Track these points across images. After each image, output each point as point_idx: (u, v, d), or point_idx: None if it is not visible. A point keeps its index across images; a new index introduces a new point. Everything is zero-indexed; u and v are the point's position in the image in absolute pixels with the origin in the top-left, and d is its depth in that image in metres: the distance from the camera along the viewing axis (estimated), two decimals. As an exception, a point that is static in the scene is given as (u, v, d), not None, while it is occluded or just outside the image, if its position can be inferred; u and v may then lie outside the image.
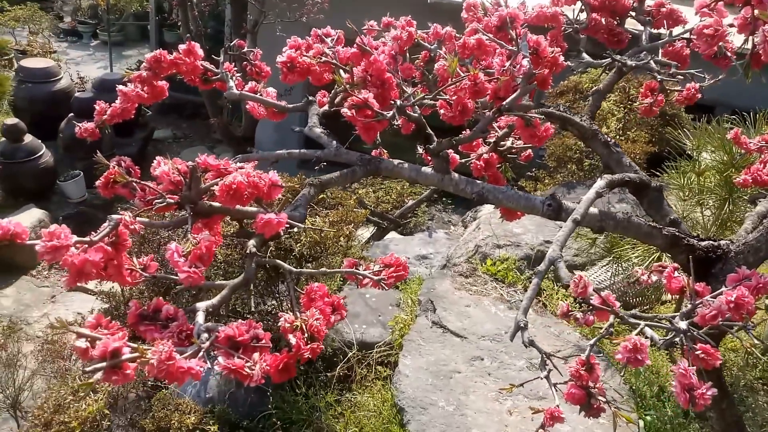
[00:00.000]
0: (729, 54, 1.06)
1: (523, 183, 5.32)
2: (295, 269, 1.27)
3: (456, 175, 1.55)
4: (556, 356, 1.19)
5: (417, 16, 1.89)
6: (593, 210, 1.49)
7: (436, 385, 2.81)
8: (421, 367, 2.93)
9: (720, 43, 1.02)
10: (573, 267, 3.80)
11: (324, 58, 1.55)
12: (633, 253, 3.00)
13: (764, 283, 1.13)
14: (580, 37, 1.98)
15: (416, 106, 1.54)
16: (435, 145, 1.50)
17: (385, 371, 3.16)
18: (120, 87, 1.61)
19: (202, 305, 1.16)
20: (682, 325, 1.04)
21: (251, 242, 1.25)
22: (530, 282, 3.66)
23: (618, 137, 4.58)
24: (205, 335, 1.07)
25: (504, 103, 1.48)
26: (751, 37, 1.05)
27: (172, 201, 1.20)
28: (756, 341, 1.03)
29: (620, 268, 3.20)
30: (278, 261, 1.29)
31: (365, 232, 5.03)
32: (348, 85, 1.53)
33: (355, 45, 1.56)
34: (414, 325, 3.25)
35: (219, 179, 1.22)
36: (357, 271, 1.26)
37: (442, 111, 1.45)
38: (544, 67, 1.66)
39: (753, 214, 1.56)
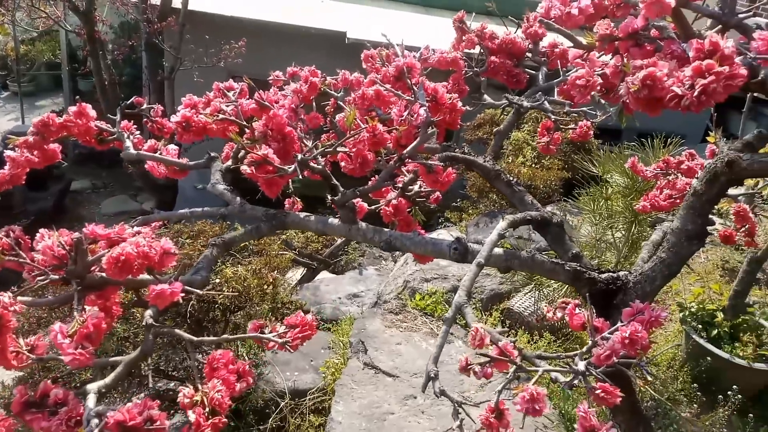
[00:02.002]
0: (602, 101, 1.12)
1: (448, 214, 5.41)
2: (195, 338, 1.22)
3: (363, 224, 1.54)
4: (468, 403, 1.20)
5: (338, 55, 1.91)
6: (498, 251, 1.51)
7: (369, 430, 2.76)
8: (354, 412, 2.87)
9: (593, 93, 1.07)
10: (498, 295, 3.87)
11: (222, 115, 1.52)
12: (552, 280, 3.08)
13: (656, 316, 1.18)
14: (481, 80, 2.05)
15: (319, 158, 1.53)
16: (340, 197, 1.49)
17: (318, 420, 3.08)
18: (7, 152, 1.52)
19: (93, 386, 1.09)
20: (581, 366, 1.06)
21: (148, 312, 1.19)
22: (460, 315, 3.68)
23: (533, 165, 4.75)
24: (95, 421, 1.01)
25: (404, 151, 1.50)
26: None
27: (56, 277, 1.13)
28: (649, 378, 1.06)
29: (542, 295, 3.28)
30: (177, 330, 1.23)
31: (295, 275, 4.96)
32: (248, 141, 1.51)
33: (253, 100, 1.55)
34: (346, 368, 3.20)
35: (108, 250, 1.16)
36: (261, 335, 1.22)
37: (342, 164, 1.46)
38: (443, 113, 1.71)
39: (648, 243, 1.64)
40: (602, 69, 1.10)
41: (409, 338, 3.38)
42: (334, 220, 1.55)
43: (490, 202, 4.87)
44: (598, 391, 1.07)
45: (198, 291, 1.24)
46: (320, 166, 1.53)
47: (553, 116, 1.82)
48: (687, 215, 1.44)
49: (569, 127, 1.81)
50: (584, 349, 1.16)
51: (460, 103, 1.73)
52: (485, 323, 3.65)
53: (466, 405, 1.16)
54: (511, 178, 1.77)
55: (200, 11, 6.24)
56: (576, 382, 1.06)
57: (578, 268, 1.50)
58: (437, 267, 4.00)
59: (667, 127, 6.08)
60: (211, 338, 1.20)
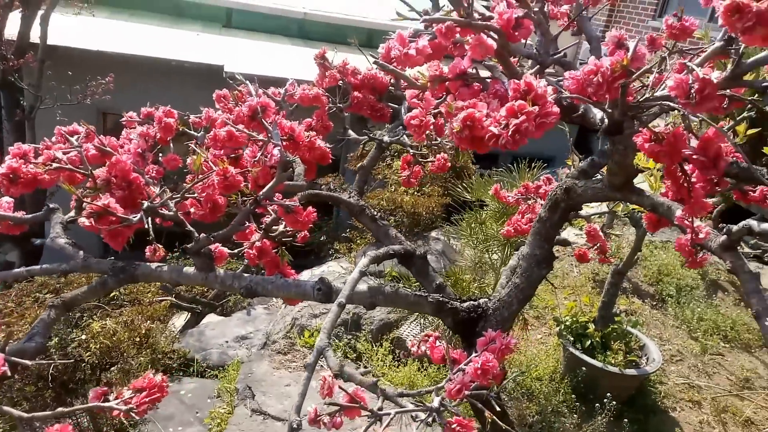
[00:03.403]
0: (438, 138, 1.15)
1: (337, 245, 5.40)
2: (26, 415, 1.09)
3: (221, 271, 1.48)
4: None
5: (216, 89, 1.85)
6: (362, 287, 1.51)
7: (258, 481, 2.64)
8: (242, 464, 2.73)
9: (426, 132, 1.09)
10: (388, 325, 3.89)
11: (56, 164, 1.41)
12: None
13: (507, 344, 1.21)
14: (345, 115, 2.07)
15: (170, 204, 1.46)
16: (193, 244, 1.42)
17: (204, 476, 2.90)
18: None
19: None
20: (435, 402, 1.07)
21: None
22: (350, 347, 3.62)
23: (415, 193, 4.87)
24: None
25: (260, 193, 1.47)
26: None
27: None
28: (498, 408, 1.08)
29: (428, 322, 3.33)
30: (5, 408, 1.10)
31: (179, 320, 4.70)
32: (90, 190, 1.41)
33: (93, 146, 1.45)
34: (233, 417, 3.05)
35: None
36: (102, 404, 1.12)
37: (192, 209, 1.39)
38: (301, 151, 1.69)
39: (507, 269, 1.70)
40: (436, 108, 1.13)
41: (298, 378, 3.29)
42: (189, 269, 1.47)
43: (377, 231, 4.92)
44: (454, 426, 1.08)
45: (27, 363, 1.12)
46: (171, 213, 1.46)
47: (411, 150, 1.87)
48: (534, 241, 1.51)
49: (428, 160, 1.86)
50: (443, 383, 1.17)
51: (320, 141, 1.74)
52: (376, 354, 3.64)
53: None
54: (375, 213, 1.78)
55: (62, 46, 5.87)
56: (431, 419, 1.06)
57: (441, 299, 1.53)
58: (325, 301, 3.95)
59: (538, 150, 6.49)
60: (44, 413, 1.08)
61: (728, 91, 1.17)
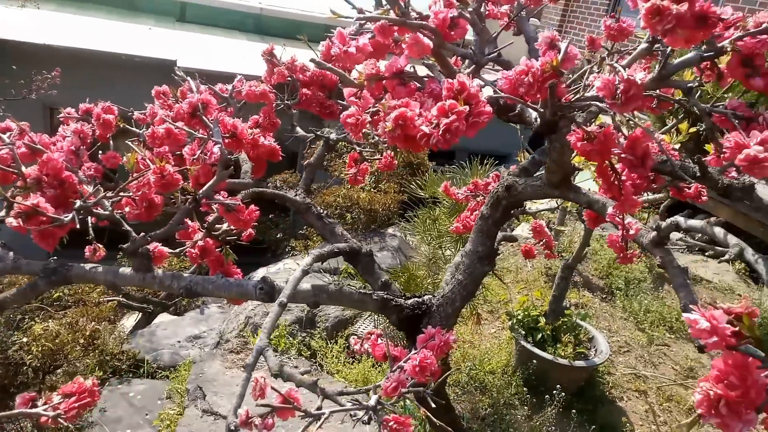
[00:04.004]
0: (377, 137, 1.15)
1: (294, 243, 5.35)
2: (-54, 423, 1.05)
3: (159, 271, 1.45)
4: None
5: (169, 85, 1.80)
6: (305, 286, 1.50)
7: (208, 483, 2.60)
8: (192, 466, 2.69)
9: (364, 130, 1.09)
10: (343, 321, 3.88)
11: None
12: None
13: (446, 340, 1.22)
14: (293, 112, 2.04)
15: (105, 202, 1.41)
16: (129, 244, 1.39)
17: (153, 480, 2.84)
18: None
19: None
20: (372, 401, 1.07)
21: None
22: (304, 345, 3.60)
23: (371, 190, 4.87)
24: None
25: (200, 191, 1.44)
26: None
27: None
28: (434, 405, 1.09)
29: (382, 318, 3.33)
30: None
31: (129, 321, 4.59)
32: (20, 189, 1.36)
33: (22, 143, 1.40)
34: (183, 418, 3.00)
35: None
36: (28, 411, 1.08)
37: (127, 209, 1.36)
38: (244, 149, 1.67)
39: (451, 265, 1.71)
40: (374, 107, 1.13)
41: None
42: (125, 270, 1.43)
43: (333, 228, 4.91)
44: (391, 423, 1.08)
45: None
46: (107, 212, 1.41)
47: (358, 147, 1.86)
48: (477, 238, 1.53)
49: (375, 158, 1.86)
50: (381, 382, 1.17)
51: (265, 138, 1.72)
52: (330, 351, 3.63)
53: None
54: (321, 211, 1.77)
55: (6, 39, 5.65)
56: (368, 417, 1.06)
57: (385, 296, 1.53)
58: (280, 299, 3.91)
59: (494, 147, 6.57)
60: (-35, 422, 1.04)
61: (658, 91, 1.21)
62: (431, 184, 3.60)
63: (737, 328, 0.73)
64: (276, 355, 3.57)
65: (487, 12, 1.42)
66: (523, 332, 3.56)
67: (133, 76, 6.02)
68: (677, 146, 1.86)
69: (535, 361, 3.46)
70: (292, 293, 1.36)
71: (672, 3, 0.84)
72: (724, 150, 0.98)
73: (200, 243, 1.67)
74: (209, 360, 3.43)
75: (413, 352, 1.20)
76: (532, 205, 3.04)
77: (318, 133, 1.87)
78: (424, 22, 1.07)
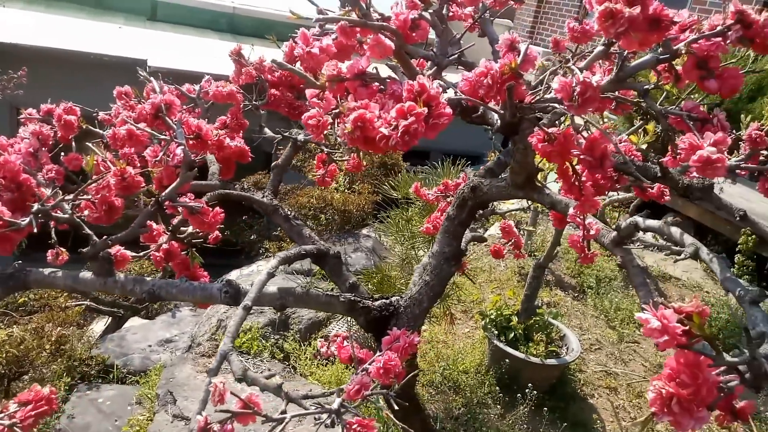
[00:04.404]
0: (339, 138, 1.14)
1: (267, 244, 5.31)
2: None
3: (121, 275, 1.42)
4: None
5: (141, 84, 1.77)
6: (271, 289, 1.49)
7: (179, 489, 2.56)
8: (162, 472, 2.65)
9: (325, 132, 1.08)
10: (317, 323, 3.87)
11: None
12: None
13: (410, 342, 1.22)
14: (261, 113, 2.02)
15: (65, 205, 1.38)
16: (89, 248, 1.36)
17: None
18: None
19: None
20: (335, 404, 1.06)
21: None
22: (277, 348, 3.57)
23: (345, 191, 4.86)
24: None
25: (163, 194, 1.42)
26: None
27: None
28: (396, 407, 1.09)
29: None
30: None
31: (98, 325, 4.50)
32: (-25, 192, 1.32)
33: (-22, 146, 1.36)
34: (152, 424, 2.95)
35: None
36: (-20, 420, 1.05)
37: (87, 212, 1.33)
38: (209, 150, 1.65)
39: (419, 266, 1.71)
40: (336, 108, 1.12)
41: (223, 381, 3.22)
42: (86, 275, 1.40)
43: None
44: (354, 426, 1.07)
45: None
46: (66, 216, 1.38)
47: (326, 149, 1.85)
48: (443, 239, 1.53)
49: (344, 159, 1.85)
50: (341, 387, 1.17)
51: (231, 140, 1.70)
52: (304, 353, 3.61)
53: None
54: (289, 212, 1.76)
55: (-30, 38, 5.52)
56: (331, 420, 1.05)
57: (352, 298, 1.53)
58: (252, 301, 3.88)
59: (468, 148, 6.60)
60: None
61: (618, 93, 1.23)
62: (404, 185, 3.60)
63: (688, 327, 0.74)
64: (249, 359, 3.55)
65: (451, 14, 1.43)
66: (496, 331, 3.59)
67: (102, 76, 5.90)
68: (644, 146, 1.89)
69: (507, 360, 3.49)
70: (257, 296, 1.35)
71: (625, 6, 0.85)
72: (679, 151, 1.00)
73: (165, 246, 1.64)
74: (180, 364, 3.39)
75: (378, 354, 1.20)
76: (502, 206, 3.07)
77: (286, 134, 1.86)
78: (384, 24, 1.07)
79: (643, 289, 1.16)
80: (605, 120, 1.97)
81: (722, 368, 0.79)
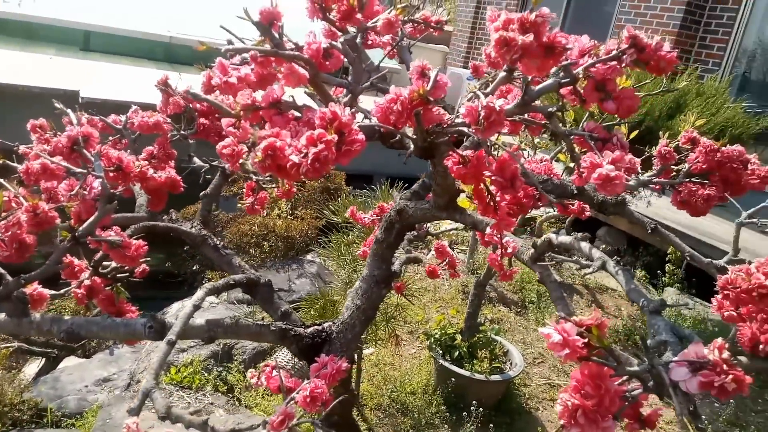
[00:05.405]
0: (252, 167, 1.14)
1: (210, 274, 5.20)
2: None
3: (37, 315, 1.37)
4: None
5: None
6: (199, 321, 1.46)
7: None
8: None
9: (241, 160, 1.08)
10: (261, 353, 3.79)
11: None
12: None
13: (338, 368, 1.22)
14: (190, 142, 2.00)
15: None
16: (1, 288, 1.30)
17: None
18: None
19: None
20: (260, 436, 1.04)
21: None
22: (221, 380, 3.48)
23: (288, 217, 4.83)
24: None
25: (80, 229, 1.38)
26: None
27: None
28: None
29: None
30: None
31: (31, 367, 4.28)
32: None
33: None
34: (87, 469, 2.81)
35: None
36: None
37: (-4, 251, 1.28)
38: (132, 181, 1.62)
39: (352, 290, 1.72)
40: (252, 137, 1.12)
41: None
42: (-2, 316, 1.34)
43: (250, 257, 4.81)
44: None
45: None
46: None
47: (254, 177, 1.84)
48: (373, 262, 1.54)
49: (272, 186, 1.85)
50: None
51: (150, 171, 1.67)
52: (246, 384, 3.53)
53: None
54: (218, 242, 1.74)
55: None
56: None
57: (283, 326, 1.51)
58: (193, 334, 3.78)
59: (413, 171, 6.68)
60: None
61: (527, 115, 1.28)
62: (345, 209, 3.61)
63: (587, 340, 0.77)
64: (191, 393, 3.44)
65: (370, 42, 1.46)
66: (441, 351, 3.61)
67: (31, 108, 5.71)
68: (572, 164, 1.96)
69: (453, 378, 3.51)
70: (181, 330, 1.32)
71: (519, 34, 0.89)
72: (581, 170, 1.04)
73: (87, 282, 1.59)
74: (118, 404, 3.25)
75: (305, 382, 1.19)
76: (445, 225, 3.11)
77: (214, 163, 1.84)
78: (297, 53, 1.08)
79: (560, 303, 1.20)
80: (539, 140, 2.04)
81: (625, 378, 0.82)
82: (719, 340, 0.74)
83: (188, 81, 1.95)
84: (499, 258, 1.30)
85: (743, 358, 1.05)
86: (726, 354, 0.73)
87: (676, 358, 0.77)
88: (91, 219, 1.37)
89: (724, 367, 0.72)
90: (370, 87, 1.21)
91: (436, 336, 3.67)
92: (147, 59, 8.36)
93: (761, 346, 1.00)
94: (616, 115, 1.12)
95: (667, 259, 4.86)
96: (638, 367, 0.81)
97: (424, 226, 2.34)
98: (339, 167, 5.93)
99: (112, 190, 1.44)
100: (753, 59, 6.89)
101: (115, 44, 8.34)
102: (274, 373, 1.31)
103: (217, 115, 1.95)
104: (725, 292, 1.00)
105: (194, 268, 5.87)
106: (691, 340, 0.87)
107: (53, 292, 1.55)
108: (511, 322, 4.53)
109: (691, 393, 0.76)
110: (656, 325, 0.93)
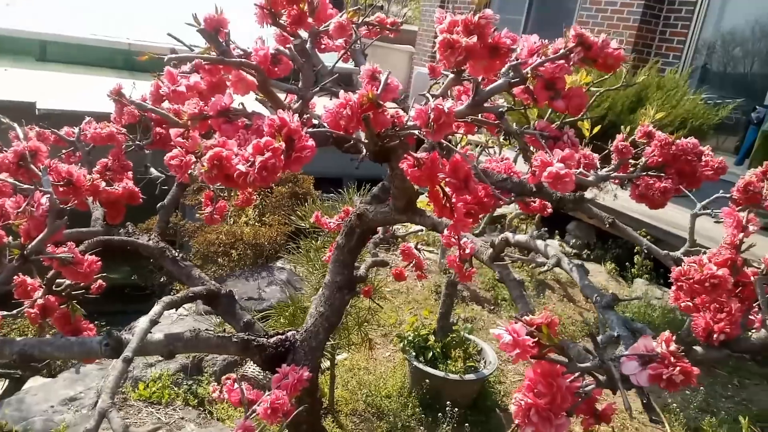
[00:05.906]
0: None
1: (177, 286, 5.11)
2: None
3: (-14, 339, 1.32)
4: None
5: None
6: (157, 336, 1.42)
7: None
8: None
9: (189, 171, 1.06)
10: (232, 363, 3.74)
11: None
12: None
13: (299, 377, 1.20)
14: (146, 153, 1.96)
15: None
16: (-54, 312, 1.25)
17: None
18: None
19: None
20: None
21: None
22: (191, 394, 3.42)
23: (256, 224, 4.78)
24: None
25: (30, 246, 1.33)
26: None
27: None
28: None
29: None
30: None
31: (-7, 390, 4.14)
32: None
33: None
34: (55, 492, 2.73)
35: None
36: None
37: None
38: (84, 195, 1.58)
39: (316, 297, 1.70)
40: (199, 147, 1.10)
41: (132, 435, 3.04)
42: (-57, 341, 1.29)
43: (218, 266, 4.74)
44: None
45: None
46: None
47: (211, 186, 1.81)
48: (335, 268, 1.53)
49: (231, 194, 1.82)
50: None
51: (103, 184, 1.63)
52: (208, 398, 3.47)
53: None
54: (177, 254, 1.70)
55: None
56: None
57: (245, 337, 1.49)
58: (162, 347, 3.71)
59: (378, 172, 6.67)
60: None
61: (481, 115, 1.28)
62: (312, 214, 3.58)
63: (537, 339, 0.77)
64: (160, 409, 3.37)
65: (323, 46, 1.45)
66: (414, 352, 3.61)
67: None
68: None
69: (428, 379, 3.51)
70: (138, 346, 1.29)
71: (463, 37, 0.89)
72: (533, 168, 1.05)
73: (40, 302, 1.54)
74: (85, 423, 3.16)
75: (267, 393, 1.17)
76: (412, 227, 3.11)
77: (169, 173, 1.80)
78: (243, 60, 1.06)
79: (521, 301, 1.20)
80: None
81: (577, 374, 0.82)
82: (666, 333, 0.75)
83: (146, 89, 1.92)
84: (457, 259, 1.30)
85: (699, 348, 1.07)
86: (673, 346, 0.73)
87: (626, 353, 0.77)
88: (41, 236, 1.32)
89: (672, 359, 0.72)
90: (321, 91, 1.20)
91: (410, 338, 3.67)
92: (106, 67, 8.19)
93: (715, 336, 1.02)
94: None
95: (635, 251, 4.94)
96: (590, 363, 0.82)
97: (390, 228, 2.33)
98: (306, 170, 5.90)
99: (62, 205, 1.40)
100: (712, 51, 7.08)
101: (72, 53, 8.15)
102: (236, 385, 1.28)
103: (165, 126, 1.93)
104: (679, 283, 1.02)
105: (161, 280, 5.77)
106: (643, 333, 0.87)
107: (5, 312, 1.50)
108: (484, 320, 4.56)
109: (642, 386, 0.77)
110: (610, 320, 0.94)
